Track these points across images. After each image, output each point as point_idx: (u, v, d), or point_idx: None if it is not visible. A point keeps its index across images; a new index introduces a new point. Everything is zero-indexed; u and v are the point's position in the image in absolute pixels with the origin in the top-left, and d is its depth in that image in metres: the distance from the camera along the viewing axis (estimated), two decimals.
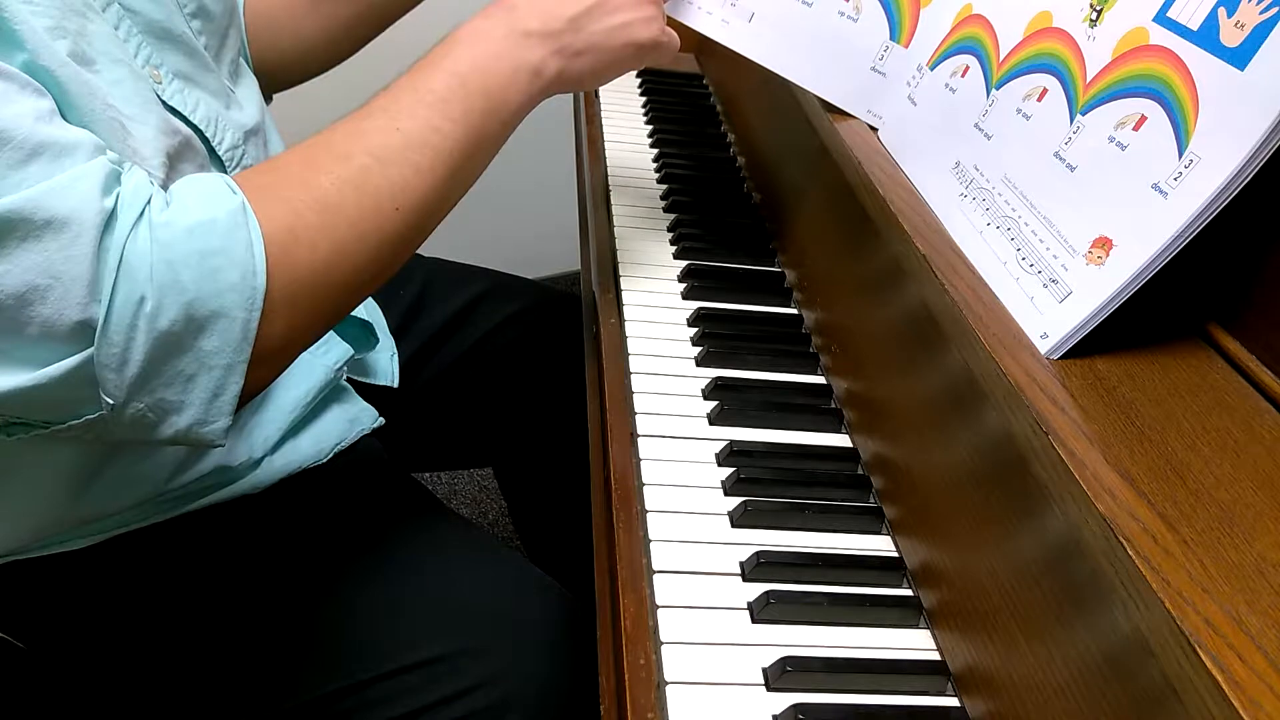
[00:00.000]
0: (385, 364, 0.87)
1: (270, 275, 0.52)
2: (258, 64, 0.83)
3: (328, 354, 0.75)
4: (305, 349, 0.60)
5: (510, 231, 1.89)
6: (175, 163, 0.59)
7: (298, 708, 0.69)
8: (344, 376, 0.77)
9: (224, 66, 0.71)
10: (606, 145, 1.07)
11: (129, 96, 0.56)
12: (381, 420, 0.80)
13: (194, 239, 0.50)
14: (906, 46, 0.77)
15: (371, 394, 0.84)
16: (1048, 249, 0.55)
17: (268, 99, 0.83)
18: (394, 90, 0.61)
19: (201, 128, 0.64)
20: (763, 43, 0.80)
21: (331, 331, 0.76)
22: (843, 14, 0.78)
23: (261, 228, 0.52)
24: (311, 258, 0.54)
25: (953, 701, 0.53)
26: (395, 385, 0.87)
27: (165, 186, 0.56)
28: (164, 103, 0.61)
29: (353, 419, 0.78)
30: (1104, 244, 0.51)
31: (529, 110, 0.66)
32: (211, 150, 0.66)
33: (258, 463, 0.71)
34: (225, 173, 0.67)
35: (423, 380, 0.94)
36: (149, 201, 0.50)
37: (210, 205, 0.51)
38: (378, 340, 0.81)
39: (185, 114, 0.63)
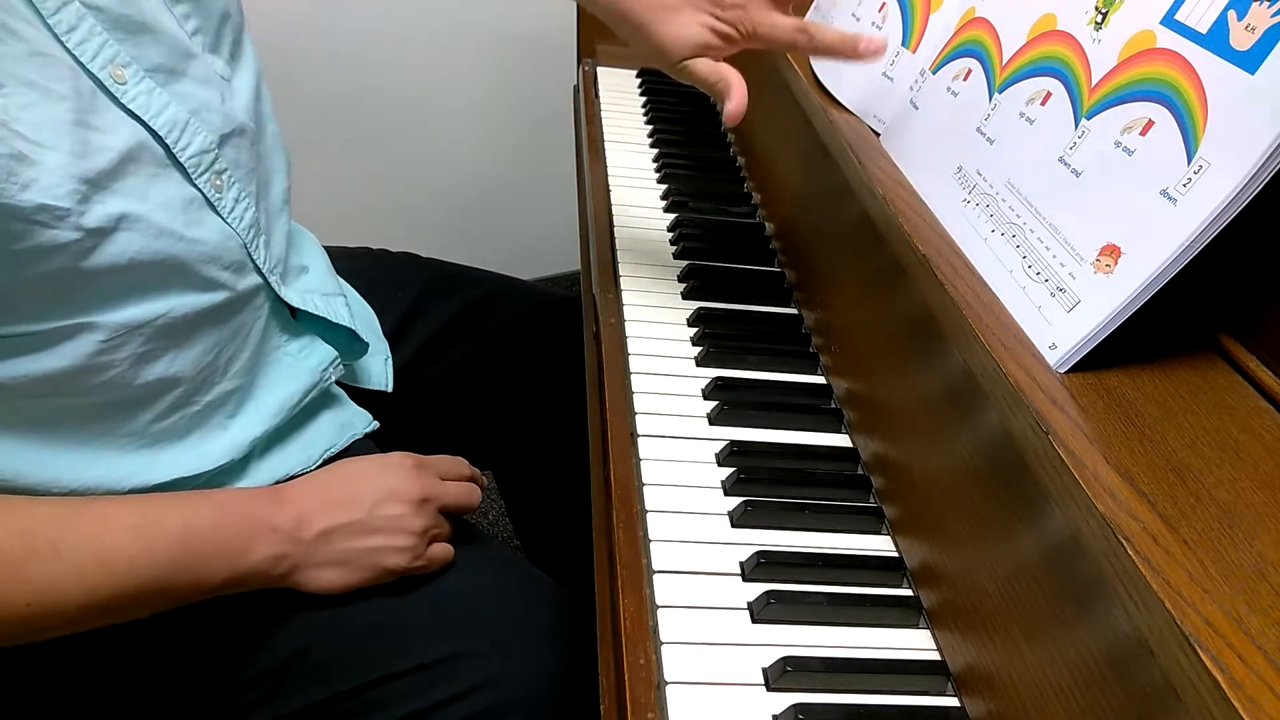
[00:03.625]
0: (379, 369, 0.87)
1: None
2: None
3: (310, 356, 0.74)
4: None
5: (510, 231, 1.89)
6: (110, 181, 0.57)
7: (299, 711, 0.69)
8: (332, 380, 0.76)
9: (222, 49, 0.70)
10: (606, 145, 1.08)
11: (39, 121, 0.54)
12: (375, 425, 0.80)
13: None
14: (914, 51, 0.77)
15: (372, 397, 0.83)
16: (1054, 257, 0.54)
17: None
18: (138, 501, 0.61)
19: (162, 132, 0.62)
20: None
21: (315, 335, 0.75)
22: (875, 25, 0.79)
23: None
24: None
25: (953, 701, 0.53)
26: (389, 390, 0.86)
27: (86, 208, 0.55)
28: (122, 106, 0.59)
29: (344, 424, 0.78)
30: (1112, 252, 0.50)
31: (232, 591, 0.64)
32: (174, 156, 0.63)
33: (240, 466, 0.71)
34: (190, 179, 0.64)
35: (422, 383, 0.94)
36: None
37: None
38: (365, 347, 0.80)
39: (145, 118, 0.61)
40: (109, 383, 0.60)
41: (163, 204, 0.61)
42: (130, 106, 0.60)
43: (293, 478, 0.73)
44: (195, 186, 0.64)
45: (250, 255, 0.68)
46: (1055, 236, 0.55)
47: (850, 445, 0.70)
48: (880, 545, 0.63)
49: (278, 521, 0.65)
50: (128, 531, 0.59)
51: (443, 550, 0.72)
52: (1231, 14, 0.48)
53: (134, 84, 0.60)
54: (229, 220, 0.66)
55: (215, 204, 0.65)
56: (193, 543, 0.61)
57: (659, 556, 0.59)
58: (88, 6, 0.58)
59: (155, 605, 0.62)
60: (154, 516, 0.61)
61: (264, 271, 0.69)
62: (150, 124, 0.61)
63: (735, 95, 0.69)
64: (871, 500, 0.66)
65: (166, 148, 0.62)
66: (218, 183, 0.66)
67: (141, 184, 0.60)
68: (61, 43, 0.56)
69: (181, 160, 0.63)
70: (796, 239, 0.88)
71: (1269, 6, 0.46)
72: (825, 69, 0.84)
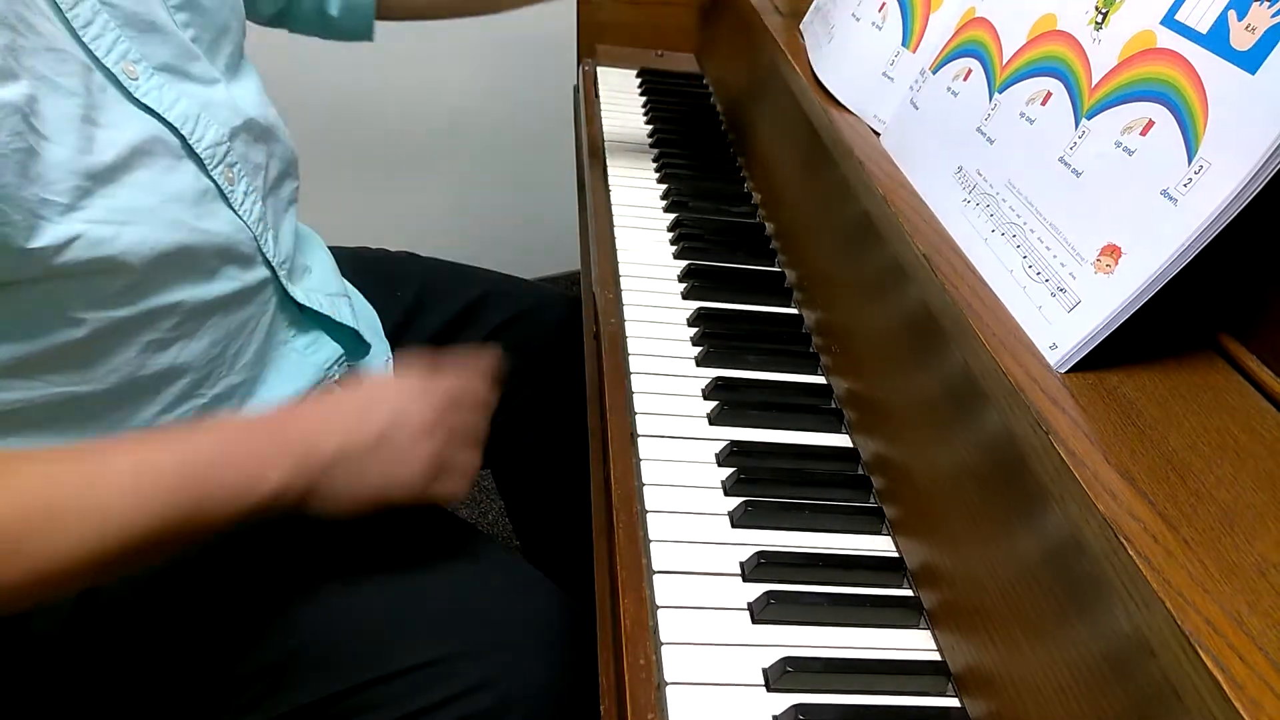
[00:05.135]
0: (380, 370, 0.87)
1: None
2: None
3: (316, 353, 0.75)
4: None
5: (510, 231, 1.89)
6: (118, 175, 0.58)
7: (298, 710, 0.69)
8: (336, 378, 0.77)
9: (218, 60, 0.71)
10: (606, 145, 1.08)
11: (48, 115, 0.55)
12: None
13: None
14: (914, 51, 0.77)
15: None
16: (1055, 257, 0.54)
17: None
18: (136, 444, 0.58)
19: (177, 125, 0.63)
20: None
21: (321, 331, 0.76)
22: (875, 24, 0.79)
23: None
24: None
25: (953, 702, 0.53)
26: None
27: (87, 203, 0.55)
28: (136, 101, 0.61)
29: None
30: (1113, 252, 0.50)
31: (248, 521, 0.60)
32: (190, 149, 0.65)
33: None
34: (205, 170, 0.65)
35: None
36: None
37: None
38: (368, 349, 0.81)
39: (160, 111, 0.62)
40: (118, 366, 0.61)
41: (175, 195, 0.62)
42: (145, 101, 0.62)
43: None
44: (210, 178, 0.66)
45: (260, 248, 0.69)
46: (1056, 236, 0.55)
47: (850, 445, 0.70)
48: (880, 545, 0.62)
49: (285, 448, 0.60)
50: (126, 478, 0.55)
51: (456, 484, 0.68)
52: (1232, 14, 0.48)
53: (145, 79, 0.62)
54: (240, 212, 0.67)
55: (228, 195, 0.67)
56: (194, 483, 0.57)
57: (659, 556, 0.59)
58: (102, 3, 0.59)
59: (167, 551, 0.58)
60: (151, 460, 0.57)
61: (273, 265, 0.70)
62: (165, 116, 0.63)
63: None
64: (872, 500, 0.66)
65: (183, 139, 0.64)
66: (229, 175, 0.67)
67: (154, 176, 0.61)
68: (78, 37, 0.58)
69: (198, 151, 0.65)
70: (796, 239, 0.88)
71: (1269, 6, 0.46)
72: (825, 68, 0.84)
